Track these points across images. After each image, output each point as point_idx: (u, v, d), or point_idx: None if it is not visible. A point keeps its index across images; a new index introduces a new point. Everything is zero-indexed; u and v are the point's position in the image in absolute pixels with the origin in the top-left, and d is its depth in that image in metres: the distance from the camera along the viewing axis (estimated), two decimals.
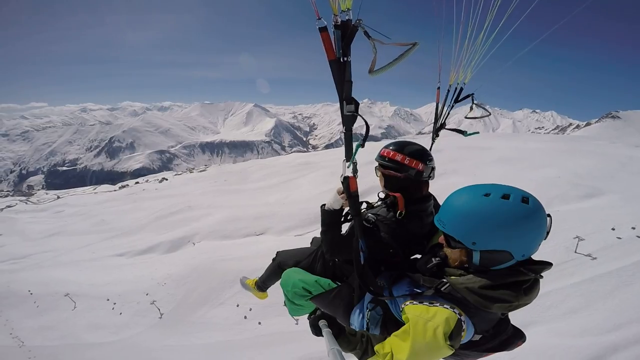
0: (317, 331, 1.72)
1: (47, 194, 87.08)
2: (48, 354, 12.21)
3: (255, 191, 29.88)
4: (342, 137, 1.56)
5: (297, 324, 9.47)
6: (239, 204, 25.85)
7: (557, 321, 6.12)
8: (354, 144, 1.60)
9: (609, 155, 20.07)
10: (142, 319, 13.44)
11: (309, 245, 2.82)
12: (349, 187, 1.71)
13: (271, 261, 2.97)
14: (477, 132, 2.81)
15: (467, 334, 1.42)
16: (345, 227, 2.11)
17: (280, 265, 2.79)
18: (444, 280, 1.51)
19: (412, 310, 1.48)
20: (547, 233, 1.41)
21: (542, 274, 1.47)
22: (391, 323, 1.78)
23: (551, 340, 5.45)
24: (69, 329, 14.06)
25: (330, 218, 2.03)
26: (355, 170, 1.74)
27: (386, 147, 2.13)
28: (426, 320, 1.38)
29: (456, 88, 2.46)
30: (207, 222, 22.75)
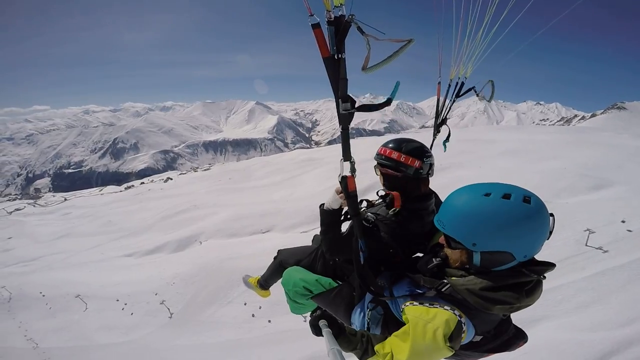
0: (317, 331, 1.71)
1: (54, 196, 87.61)
2: (62, 356, 12.37)
3: (259, 189, 29.93)
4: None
5: (305, 321, 9.50)
6: (244, 202, 25.91)
7: (568, 316, 6.05)
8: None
9: (616, 146, 19.85)
10: (152, 319, 13.56)
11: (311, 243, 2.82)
12: (347, 186, 1.70)
13: (272, 259, 2.97)
14: (444, 147, 2.72)
15: (468, 336, 1.41)
16: (345, 227, 2.09)
17: (282, 264, 2.79)
18: (445, 281, 1.49)
19: (412, 311, 1.47)
20: (550, 233, 1.38)
21: (544, 275, 1.43)
22: (392, 323, 1.77)
23: (563, 335, 5.40)
24: (81, 330, 14.22)
25: (329, 218, 2.02)
26: (353, 170, 1.72)
27: (384, 145, 2.10)
28: (426, 322, 1.37)
29: (457, 83, 2.43)
30: (213, 221, 22.84)
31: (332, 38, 1.29)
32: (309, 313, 2.48)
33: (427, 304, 1.46)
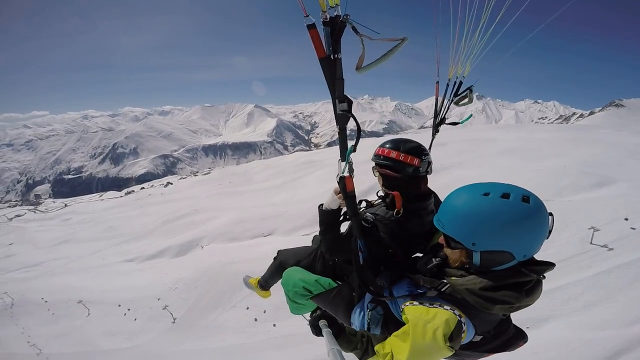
0: (317, 331, 1.69)
1: (54, 202, 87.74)
2: None
3: (260, 192, 29.94)
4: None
5: (308, 324, 9.41)
6: (244, 206, 25.92)
7: (576, 314, 6.02)
8: (349, 145, 1.56)
9: (616, 144, 19.88)
10: (155, 324, 13.54)
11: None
12: (345, 187, 1.69)
13: (272, 260, 2.95)
14: (471, 115, 2.71)
15: (468, 335, 1.39)
16: (344, 227, 2.06)
17: (282, 265, 2.76)
18: (444, 281, 1.48)
19: (412, 311, 1.46)
20: (550, 232, 1.36)
21: (544, 275, 1.41)
22: (392, 323, 1.75)
23: (571, 334, 5.35)
24: (84, 335, 14.21)
25: (328, 218, 2.00)
26: (351, 170, 1.71)
27: (381, 145, 2.08)
28: (426, 322, 1.36)
29: (455, 82, 2.40)
30: (214, 225, 22.85)
31: (328, 38, 1.28)
32: (309, 314, 2.48)
33: (427, 304, 1.44)
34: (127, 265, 21.27)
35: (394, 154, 2.01)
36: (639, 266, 6.69)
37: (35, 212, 60.22)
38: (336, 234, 2.02)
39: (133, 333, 13.39)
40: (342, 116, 1.42)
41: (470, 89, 2.53)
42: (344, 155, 1.60)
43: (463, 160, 19.66)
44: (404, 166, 1.99)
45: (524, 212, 1.31)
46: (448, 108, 2.52)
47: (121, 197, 60.77)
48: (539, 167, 15.54)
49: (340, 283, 2.22)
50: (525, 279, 1.36)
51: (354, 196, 1.73)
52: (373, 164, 2.13)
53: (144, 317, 14.12)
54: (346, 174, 1.68)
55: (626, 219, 9.01)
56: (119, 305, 15.36)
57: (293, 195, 25.53)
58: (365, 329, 1.86)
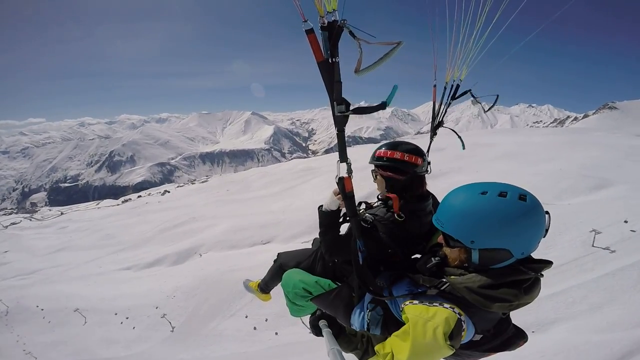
0: (317, 331, 1.70)
1: (50, 210, 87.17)
2: None
3: (258, 199, 29.89)
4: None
5: (310, 333, 9.28)
6: (243, 213, 25.84)
7: (582, 317, 6.01)
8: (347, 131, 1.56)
9: (612, 146, 20.08)
10: (154, 332, 13.36)
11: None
12: (344, 187, 1.70)
13: (273, 262, 2.93)
14: (463, 147, 2.76)
15: (468, 334, 1.39)
16: (344, 228, 2.09)
17: (282, 267, 2.74)
18: (444, 280, 1.48)
19: (411, 310, 1.45)
20: (546, 231, 1.39)
21: (542, 273, 1.43)
22: (392, 323, 1.74)
23: (578, 337, 5.33)
24: (81, 344, 14.01)
25: (327, 219, 2.01)
26: (350, 171, 1.71)
27: (380, 148, 2.10)
28: (426, 320, 1.36)
29: (452, 85, 2.41)
30: (213, 233, 22.74)
31: (326, 43, 1.31)
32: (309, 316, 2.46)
33: (427, 303, 1.44)
34: (124, 273, 21.10)
35: (397, 155, 2.02)
36: None
37: (31, 220, 59.75)
38: (336, 234, 2.02)
39: (131, 342, 13.22)
40: (340, 118, 1.44)
41: (469, 92, 2.56)
42: (343, 156, 1.62)
43: (461, 166, 19.76)
44: (408, 166, 2.01)
45: (521, 209, 1.33)
46: (446, 111, 2.53)
47: (118, 205, 60.49)
48: (537, 171, 15.65)
49: (340, 284, 2.21)
50: (523, 276, 1.37)
51: (353, 197, 1.74)
52: (372, 169, 2.14)
53: (142, 326, 13.95)
54: (345, 174, 1.69)
55: (625, 222, 9.05)
56: (116, 314, 15.20)
57: (291, 203, 25.49)
58: (365, 330, 1.86)
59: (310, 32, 1.27)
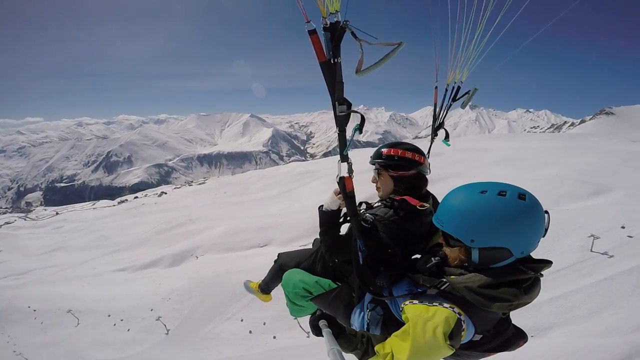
0: (317, 331, 1.73)
1: (45, 210, 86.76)
2: None
3: (256, 202, 29.84)
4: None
5: (308, 337, 9.31)
6: (240, 216, 25.79)
7: (581, 322, 6.03)
8: (348, 133, 1.60)
9: (609, 152, 20.23)
10: (148, 335, 13.21)
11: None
12: (345, 187, 1.72)
13: (273, 263, 2.96)
14: (448, 145, 2.81)
15: (468, 334, 1.40)
16: (344, 228, 2.11)
17: (282, 267, 2.78)
18: (444, 279, 1.50)
19: (411, 310, 1.46)
20: (546, 230, 1.41)
21: (542, 273, 1.45)
22: (392, 323, 1.76)
23: (578, 341, 5.37)
24: (74, 345, 13.84)
25: (328, 219, 2.03)
26: (350, 171, 1.73)
27: (384, 148, 2.12)
28: (426, 320, 1.36)
29: (453, 87, 2.47)
30: (209, 235, 22.65)
31: (328, 43, 1.34)
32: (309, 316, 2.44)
33: (427, 303, 1.45)
34: (119, 274, 20.95)
35: (409, 154, 2.06)
36: None
37: (25, 220, 59.43)
38: (336, 234, 2.04)
39: (125, 344, 13.08)
40: (342, 118, 1.46)
41: (469, 92, 2.60)
42: (344, 156, 1.64)
43: (459, 170, 19.85)
44: (417, 165, 2.06)
45: (520, 208, 1.36)
46: (446, 112, 2.59)
47: (114, 206, 60.27)
48: (535, 176, 15.71)
49: (340, 284, 2.23)
50: (523, 276, 1.39)
51: (354, 196, 1.76)
52: (375, 169, 2.16)
53: (137, 328, 13.81)
54: (346, 174, 1.71)
55: (623, 227, 9.13)
56: (109, 315, 15.06)
57: (289, 206, 25.47)
58: (365, 330, 1.88)
59: (313, 32, 1.31)
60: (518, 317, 1.63)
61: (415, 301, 1.50)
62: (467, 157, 23.98)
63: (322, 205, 2.08)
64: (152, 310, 14.37)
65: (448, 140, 2.64)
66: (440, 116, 2.60)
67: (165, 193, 60.67)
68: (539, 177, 15.54)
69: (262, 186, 35.63)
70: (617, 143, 24.80)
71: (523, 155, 22.17)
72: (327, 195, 2.03)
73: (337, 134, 1.59)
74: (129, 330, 13.88)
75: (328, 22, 1.31)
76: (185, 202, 38.53)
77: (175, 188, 74.40)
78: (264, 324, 11.03)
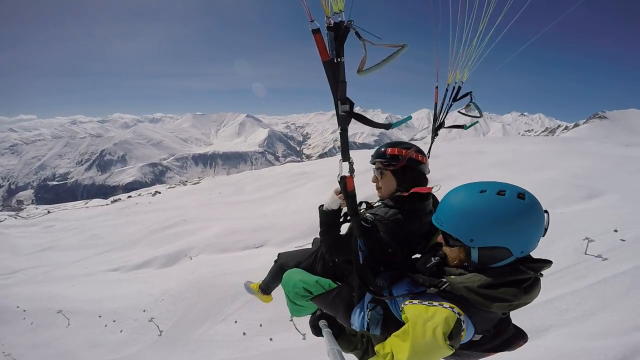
0: (317, 331, 1.72)
1: (37, 208, 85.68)
2: None
3: (251, 203, 29.74)
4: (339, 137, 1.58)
5: (304, 339, 9.27)
6: (235, 216, 25.68)
7: (575, 324, 6.07)
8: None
9: (602, 155, 20.47)
10: (140, 336, 13.06)
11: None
12: (345, 186, 1.71)
13: (273, 263, 2.96)
14: (477, 122, 2.84)
15: (467, 334, 1.41)
16: (344, 228, 2.10)
17: (282, 267, 2.77)
18: (444, 279, 1.50)
19: (411, 310, 1.46)
20: (545, 229, 1.41)
21: (542, 272, 1.46)
22: (392, 323, 1.76)
23: (572, 343, 5.40)
24: (64, 346, 13.66)
25: (328, 218, 2.04)
26: (352, 170, 1.71)
27: (387, 148, 2.12)
28: (425, 320, 1.37)
29: (454, 87, 2.49)
30: (204, 235, 22.51)
31: (332, 43, 1.34)
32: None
33: (427, 303, 1.45)
34: (111, 274, 20.75)
35: (412, 154, 2.06)
36: (634, 275, 6.83)
37: (16, 218, 58.62)
38: (336, 234, 2.05)
39: (116, 345, 12.92)
40: (344, 117, 1.46)
41: (470, 95, 2.61)
42: (346, 155, 1.64)
43: (455, 173, 19.98)
44: (419, 164, 2.08)
45: (520, 207, 1.36)
46: (447, 112, 2.60)
47: (107, 205, 59.70)
48: (529, 180, 15.83)
49: (340, 284, 2.22)
50: (523, 276, 1.39)
51: (355, 196, 1.77)
52: (377, 168, 2.16)
53: (129, 329, 13.66)
54: (347, 173, 1.71)
55: (615, 231, 9.24)
56: (100, 316, 14.91)
57: (285, 207, 25.41)
58: (365, 330, 1.89)
59: (316, 32, 1.31)
60: (514, 320, 1.63)
61: (415, 301, 1.51)
62: (463, 159, 24.15)
63: (322, 205, 2.08)
64: (144, 311, 14.22)
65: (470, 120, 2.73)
66: (441, 116, 2.62)
67: (160, 192, 60.28)
68: (534, 180, 15.68)
69: (257, 187, 35.55)
70: (610, 147, 25.11)
71: (518, 159, 22.37)
72: (327, 194, 2.03)
73: (337, 134, 1.57)
74: (121, 331, 13.72)
75: (332, 22, 1.30)
76: (179, 202, 38.31)
77: (169, 188, 73.99)
78: (260, 325, 10.95)
